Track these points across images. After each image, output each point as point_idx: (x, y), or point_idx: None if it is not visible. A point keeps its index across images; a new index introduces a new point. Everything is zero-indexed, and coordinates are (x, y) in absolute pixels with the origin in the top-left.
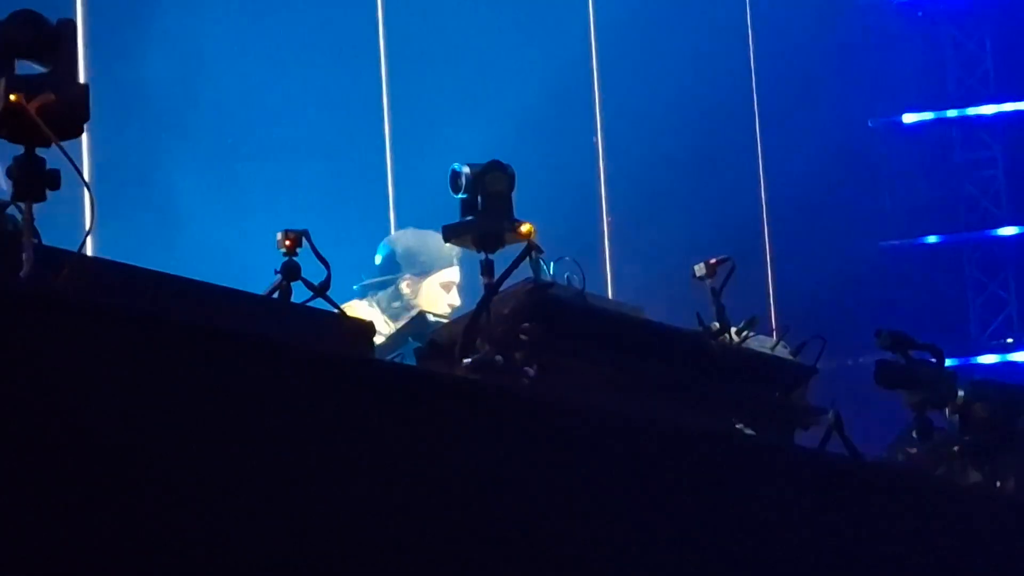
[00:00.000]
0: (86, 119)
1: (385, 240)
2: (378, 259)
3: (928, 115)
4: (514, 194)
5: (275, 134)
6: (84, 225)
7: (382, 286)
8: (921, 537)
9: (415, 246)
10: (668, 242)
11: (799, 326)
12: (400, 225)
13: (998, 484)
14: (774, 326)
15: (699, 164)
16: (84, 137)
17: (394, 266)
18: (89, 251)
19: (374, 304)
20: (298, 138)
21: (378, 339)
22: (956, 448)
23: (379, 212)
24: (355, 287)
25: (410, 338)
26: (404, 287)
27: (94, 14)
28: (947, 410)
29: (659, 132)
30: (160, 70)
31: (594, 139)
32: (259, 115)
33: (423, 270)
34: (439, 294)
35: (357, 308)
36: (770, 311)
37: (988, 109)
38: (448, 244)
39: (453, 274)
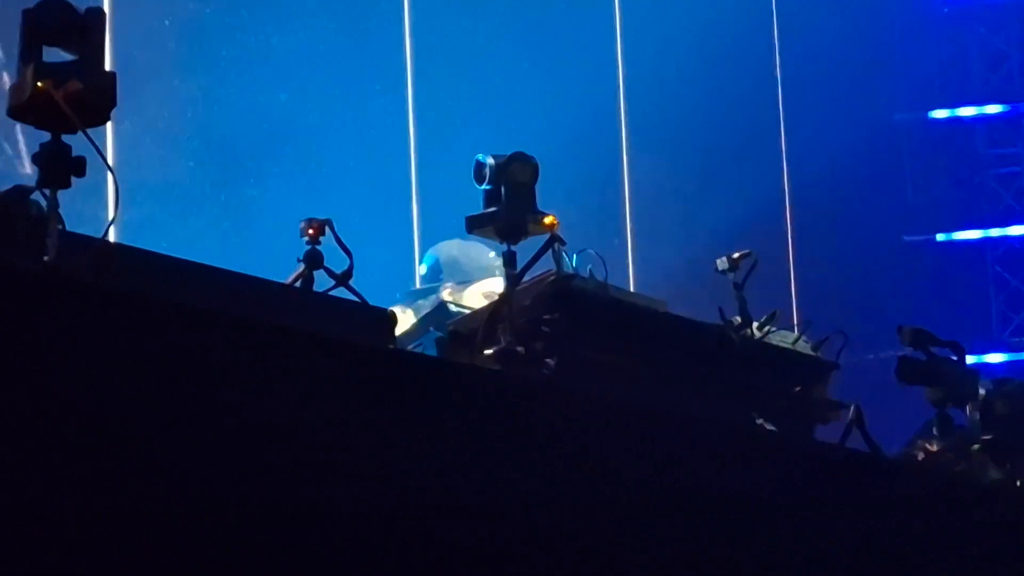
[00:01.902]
0: (113, 107)
1: (430, 250)
2: (423, 268)
3: (953, 111)
4: (537, 185)
5: (300, 126)
6: (108, 211)
7: (425, 294)
8: (940, 533)
9: (459, 255)
10: (691, 235)
11: (821, 321)
12: (424, 216)
13: (1018, 482)
14: (796, 320)
15: (723, 158)
16: (109, 124)
17: (438, 274)
18: (112, 237)
19: (408, 310)
20: (324, 129)
21: (400, 329)
22: (977, 445)
23: (402, 204)
24: (397, 296)
25: (431, 328)
26: (446, 295)
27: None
28: (968, 407)
29: (683, 125)
30: (187, 66)
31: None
32: (285, 107)
33: (466, 279)
34: (480, 303)
35: None
36: (792, 305)
37: (1013, 106)
38: (492, 254)
39: (496, 284)
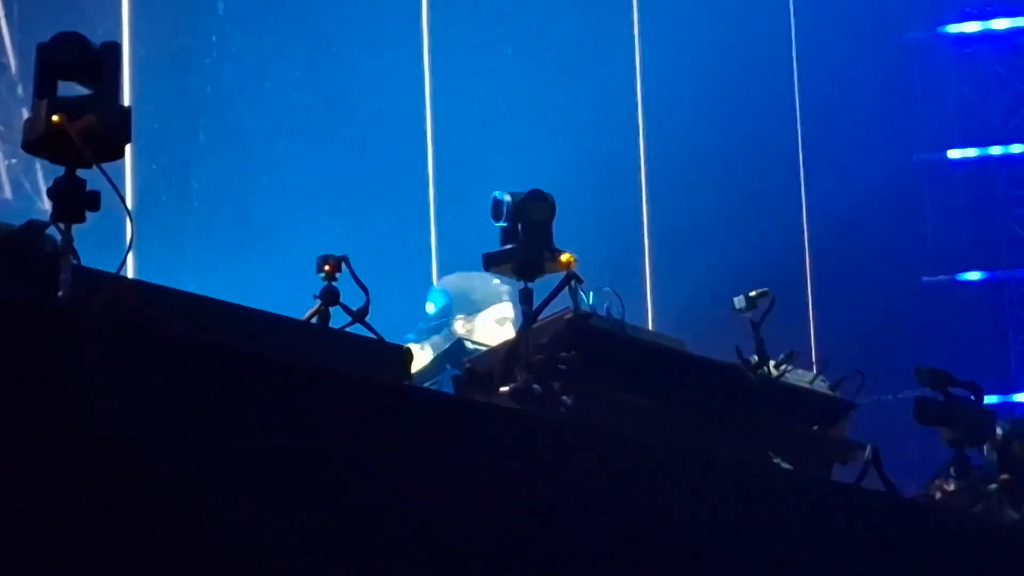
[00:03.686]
0: (128, 141)
1: (434, 286)
2: (431, 307)
3: (973, 151)
4: (555, 223)
5: (316, 162)
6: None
7: (438, 329)
8: (956, 574)
9: (464, 286)
10: (710, 274)
11: (839, 360)
12: (441, 254)
13: None
14: (814, 360)
15: (742, 196)
16: (128, 158)
17: (447, 309)
18: (130, 273)
19: (427, 347)
20: (340, 164)
21: (416, 366)
22: (994, 486)
23: (421, 238)
24: (409, 335)
25: (448, 365)
26: (458, 327)
27: (139, 37)
28: (985, 447)
29: (703, 163)
30: (209, 100)
31: None
32: (301, 142)
33: (475, 309)
34: (494, 329)
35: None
36: (810, 345)
37: None
38: (497, 280)
39: (506, 309)
